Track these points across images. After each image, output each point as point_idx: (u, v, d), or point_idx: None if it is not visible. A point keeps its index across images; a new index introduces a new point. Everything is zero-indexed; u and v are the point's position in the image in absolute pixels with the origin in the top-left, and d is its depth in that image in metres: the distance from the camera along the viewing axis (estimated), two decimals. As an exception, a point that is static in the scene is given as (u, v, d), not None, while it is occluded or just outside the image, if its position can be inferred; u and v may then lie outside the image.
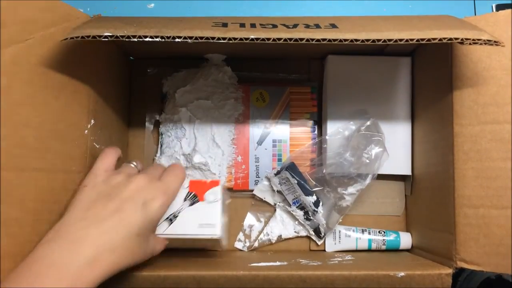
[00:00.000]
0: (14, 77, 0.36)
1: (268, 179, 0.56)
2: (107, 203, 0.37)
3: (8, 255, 0.35)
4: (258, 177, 0.56)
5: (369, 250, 0.55)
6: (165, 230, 0.43)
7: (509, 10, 0.42)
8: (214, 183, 0.46)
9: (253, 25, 0.39)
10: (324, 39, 0.37)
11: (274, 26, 0.39)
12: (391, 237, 0.55)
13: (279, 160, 0.56)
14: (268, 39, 0.36)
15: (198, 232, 0.43)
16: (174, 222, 0.44)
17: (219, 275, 0.41)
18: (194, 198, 0.45)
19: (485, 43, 0.37)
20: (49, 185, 0.39)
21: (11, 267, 0.34)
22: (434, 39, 0.37)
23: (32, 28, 0.38)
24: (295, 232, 0.56)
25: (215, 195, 0.45)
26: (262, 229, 0.56)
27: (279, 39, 0.37)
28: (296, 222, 0.56)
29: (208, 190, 0.45)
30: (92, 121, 0.46)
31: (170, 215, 0.44)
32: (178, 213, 0.44)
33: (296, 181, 0.53)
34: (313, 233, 0.56)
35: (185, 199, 0.45)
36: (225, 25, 0.39)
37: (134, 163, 0.44)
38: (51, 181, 0.40)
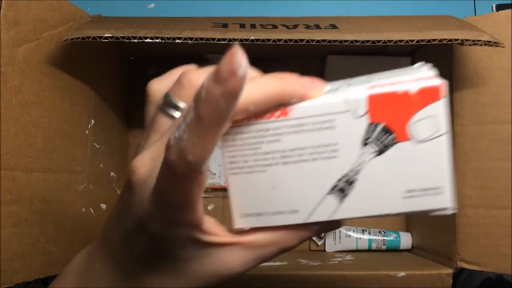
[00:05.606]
0: (25, 77, 0.36)
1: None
2: None
3: (17, 255, 0.35)
4: (258, 177, 0.56)
5: (369, 250, 0.55)
6: (336, 211, 0.22)
7: (509, 10, 0.42)
8: (428, 94, 0.21)
9: (253, 26, 0.40)
10: (324, 40, 0.37)
11: (274, 26, 0.39)
12: (391, 237, 0.55)
13: (279, 160, 0.56)
14: (268, 40, 0.37)
15: (405, 207, 0.22)
16: (351, 194, 0.22)
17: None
18: (385, 136, 0.21)
19: (485, 44, 0.37)
20: (54, 185, 0.40)
21: (21, 268, 0.34)
22: (434, 40, 0.37)
23: (42, 28, 0.38)
24: (295, 232, 0.56)
25: (434, 124, 0.21)
26: (262, 229, 0.56)
27: (279, 40, 0.37)
28: (296, 222, 0.56)
29: (417, 114, 0.21)
30: (92, 121, 0.46)
31: (339, 180, 0.22)
32: (355, 174, 0.22)
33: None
34: (313, 233, 0.56)
35: (365, 142, 0.22)
36: (225, 25, 0.39)
37: None
38: (56, 181, 0.40)
